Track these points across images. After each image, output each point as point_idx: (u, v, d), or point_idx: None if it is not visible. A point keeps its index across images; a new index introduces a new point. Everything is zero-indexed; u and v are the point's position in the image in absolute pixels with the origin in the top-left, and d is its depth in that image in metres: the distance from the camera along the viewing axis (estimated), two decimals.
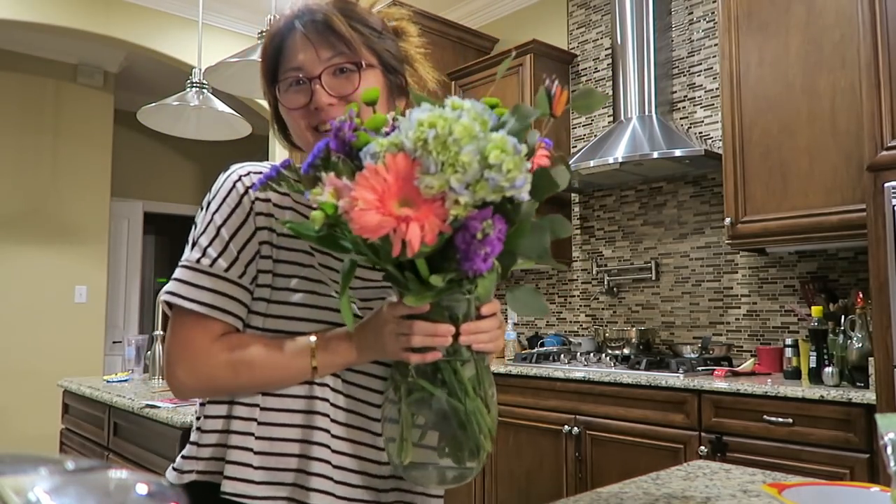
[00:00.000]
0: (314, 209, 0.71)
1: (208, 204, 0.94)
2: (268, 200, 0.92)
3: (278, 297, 0.92)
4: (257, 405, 0.90)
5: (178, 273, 0.90)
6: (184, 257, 0.92)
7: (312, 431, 0.90)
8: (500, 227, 0.70)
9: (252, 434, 0.89)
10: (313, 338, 0.89)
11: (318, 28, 0.94)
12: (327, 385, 0.91)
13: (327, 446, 0.90)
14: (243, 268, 0.90)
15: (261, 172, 0.92)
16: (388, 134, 0.71)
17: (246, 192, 0.92)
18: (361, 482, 0.92)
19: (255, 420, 0.90)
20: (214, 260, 0.89)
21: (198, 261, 0.89)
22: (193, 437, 0.95)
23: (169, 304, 0.90)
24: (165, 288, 0.90)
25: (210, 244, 0.90)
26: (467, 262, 0.70)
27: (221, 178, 0.95)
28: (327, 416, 0.90)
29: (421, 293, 0.74)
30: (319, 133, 0.93)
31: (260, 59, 1.00)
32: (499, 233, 0.70)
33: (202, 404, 0.95)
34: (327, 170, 0.72)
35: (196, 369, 0.88)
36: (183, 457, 0.94)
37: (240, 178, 0.92)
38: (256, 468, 0.88)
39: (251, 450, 0.89)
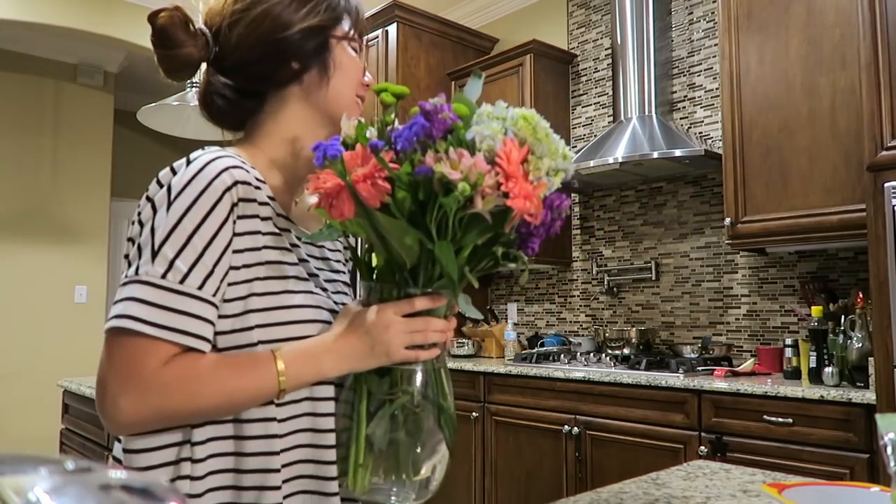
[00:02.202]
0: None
1: (171, 201, 0.77)
2: (252, 201, 0.82)
3: (264, 304, 0.81)
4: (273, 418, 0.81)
5: (135, 291, 0.75)
6: (141, 270, 0.75)
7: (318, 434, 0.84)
8: (555, 228, 0.82)
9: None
10: (280, 359, 0.78)
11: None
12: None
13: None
14: (218, 283, 0.78)
15: (239, 167, 0.82)
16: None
17: (228, 190, 0.79)
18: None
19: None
20: (185, 275, 0.76)
21: (163, 276, 0.75)
22: (175, 471, 0.78)
23: (118, 328, 0.74)
24: (118, 310, 0.74)
25: (178, 255, 0.76)
26: (531, 243, 0.81)
27: (192, 168, 0.79)
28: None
29: (452, 288, 0.79)
30: (357, 99, 0.95)
31: None
32: (555, 229, 0.81)
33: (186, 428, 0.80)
34: (429, 148, 0.75)
35: (144, 402, 0.73)
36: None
37: (220, 174, 0.79)
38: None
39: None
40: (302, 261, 0.88)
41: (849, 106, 2.43)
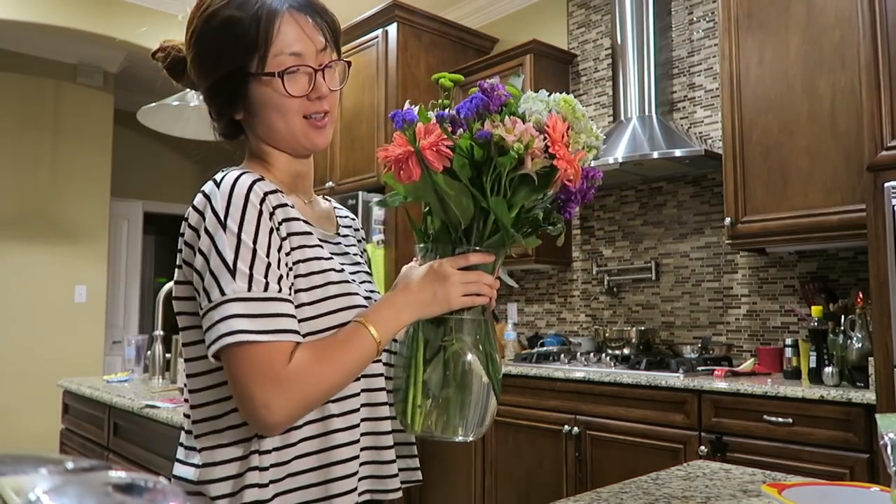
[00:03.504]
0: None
1: (223, 223, 0.85)
2: (284, 205, 0.90)
3: (311, 298, 0.90)
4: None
5: (232, 309, 0.82)
6: (227, 290, 0.82)
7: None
8: (590, 195, 0.95)
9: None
10: (363, 319, 0.89)
11: (310, 15, 0.94)
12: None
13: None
14: (289, 283, 0.87)
15: (262, 179, 0.89)
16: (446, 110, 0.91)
17: (263, 201, 0.87)
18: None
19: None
20: (266, 283, 0.84)
21: (249, 289, 0.83)
22: (255, 477, 0.86)
23: (235, 343, 0.82)
24: (225, 329, 0.81)
25: (252, 268, 0.83)
26: (569, 207, 0.94)
27: (224, 189, 0.87)
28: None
29: (504, 242, 0.92)
30: (309, 120, 0.94)
31: (222, 30, 0.91)
32: (590, 196, 0.95)
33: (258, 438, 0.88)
34: (486, 119, 0.88)
35: (290, 395, 0.81)
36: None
37: (252, 187, 0.87)
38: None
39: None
40: (335, 258, 0.96)
41: (849, 106, 2.43)
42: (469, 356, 0.93)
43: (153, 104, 2.71)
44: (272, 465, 0.86)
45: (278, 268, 0.86)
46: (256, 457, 0.86)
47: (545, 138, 0.86)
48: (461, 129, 0.89)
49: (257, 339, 0.81)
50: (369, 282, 1.05)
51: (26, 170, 4.91)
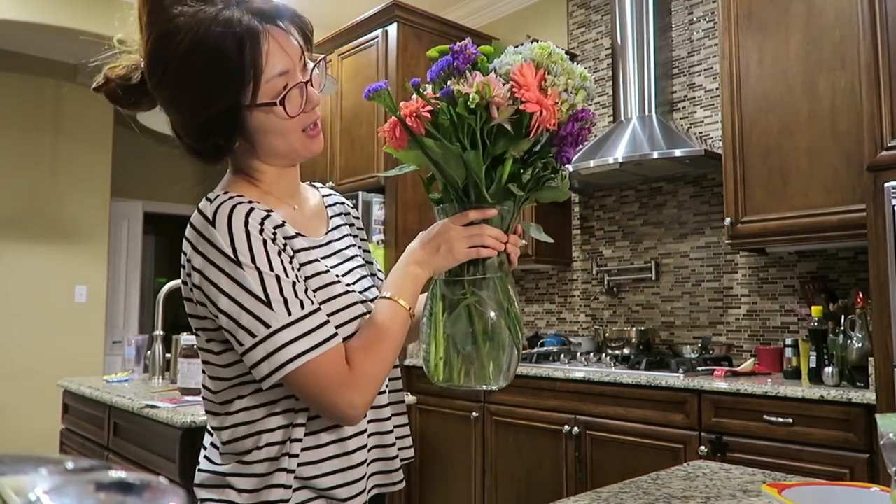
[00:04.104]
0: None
1: (235, 259, 0.86)
2: (281, 225, 0.92)
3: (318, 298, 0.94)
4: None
5: (282, 338, 0.85)
6: (272, 323, 0.85)
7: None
8: (582, 135, 0.94)
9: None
10: (385, 293, 0.94)
11: (282, 24, 0.92)
12: None
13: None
14: (313, 293, 0.91)
15: (243, 201, 0.90)
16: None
17: (262, 228, 0.89)
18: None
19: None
20: (300, 302, 0.88)
21: (289, 314, 0.86)
22: (285, 463, 0.91)
23: (298, 369, 0.87)
24: (284, 358, 0.85)
25: (282, 293, 0.87)
26: (564, 152, 0.93)
27: (221, 226, 0.87)
28: None
29: (498, 199, 0.94)
30: (305, 132, 0.95)
31: (206, 68, 0.86)
32: (583, 136, 0.94)
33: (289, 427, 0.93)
34: (451, 78, 0.90)
35: (364, 389, 0.88)
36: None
37: (247, 219, 0.88)
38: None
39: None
40: (322, 259, 0.99)
41: (849, 106, 2.43)
42: (485, 309, 0.96)
43: None
44: (300, 465, 0.91)
45: (299, 282, 0.90)
46: (286, 459, 0.90)
47: (511, 86, 0.87)
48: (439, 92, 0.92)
49: (315, 354, 0.86)
50: (364, 275, 1.06)
51: (26, 170, 4.91)
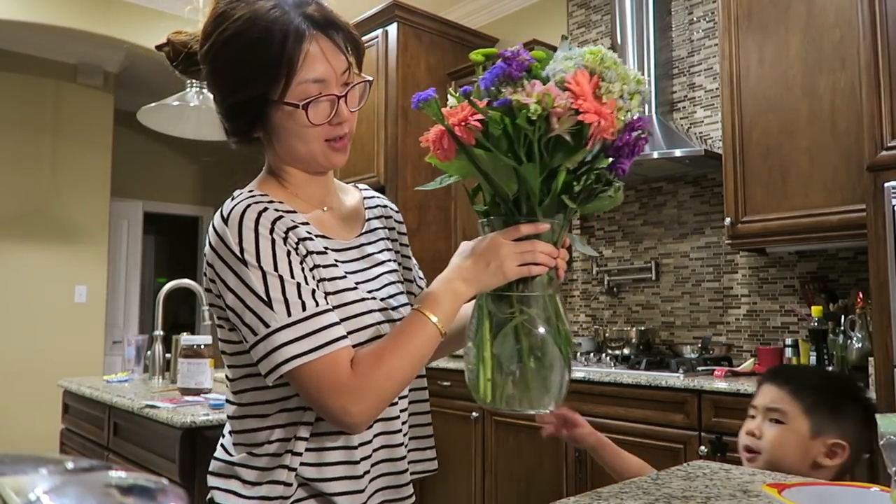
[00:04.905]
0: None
1: (241, 258, 0.88)
2: (294, 227, 0.91)
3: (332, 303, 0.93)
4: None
5: (280, 338, 0.85)
6: (270, 322, 0.86)
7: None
8: (639, 146, 0.90)
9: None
10: (417, 304, 0.91)
11: (333, 36, 0.92)
12: None
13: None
14: (323, 293, 0.90)
15: (261, 201, 0.91)
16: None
17: (273, 229, 0.89)
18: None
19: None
20: (303, 303, 0.87)
21: (289, 314, 0.86)
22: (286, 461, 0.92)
23: (293, 370, 0.86)
24: (280, 359, 0.85)
25: (284, 293, 0.87)
26: (619, 163, 0.89)
27: (232, 225, 0.89)
28: None
29: (550, 213, 0.91)
30: (328, 143, 0.94)
31: (245, 55, 0.89)
32: (639, 147, 0.89)
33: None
34: (508, 86, 0.86)
35: (363, 396, 0.85)
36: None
37: (258, 220, 0.89)
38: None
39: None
40: (343, 264, 0.98)
41: (849, 106, 2.43)
42: (535, 328, 0.92)
43: (153, 104, 2.71)
44: (303, 464, 0.91)
45: (307, 283, 0.88)
46: (289, 456, 0.91)
47: (570, 95, 0.84)
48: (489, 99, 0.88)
49: (312, 357, 0.85)
50: (392, 282, 1.04)
51: (26, 170, 4.91)
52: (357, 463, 0.93)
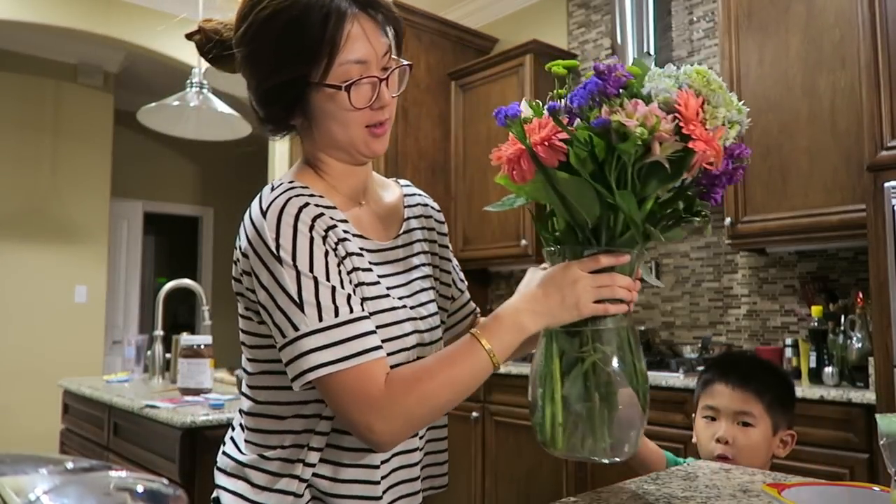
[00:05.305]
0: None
1: (277, 255, 0.82)
2: (334, 226, 0.86)
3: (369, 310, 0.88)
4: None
5: (309, 343, 0.80)
6: (300, 326, 0.80)
7: None
8: (737, 176, 0.84)
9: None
10: (476, 330, 0.84)
11: (374, 15, 0.89)
12: None
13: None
14: (359, 299, 0.84)
15: (302, 195, 0.86)
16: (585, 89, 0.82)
17: (313, 227, 0.84)
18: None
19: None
20: (336, 308, 0.81)
21: (320, 319, 0.81)
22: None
23: (320, 378, 0.81)
24: (308, 365, 0.80)
25: (318, 296, 0.81)
26: (713, 192, 0.83)
27: (271, 219, 0.83)
28: None
29: (630, 243, 0.83)
30: (369, 129, 0.90)
31: (285, 34, 0.85)
32: (738, 176, 0.83)
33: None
34: (605, 104, 0.78)
35: (390, 416, 0.79)
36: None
37: (298, 215, 0.83)
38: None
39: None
40: (376, 267, 0.93)
41: (849, 106, 2.43)
42: (611, 368, 0.85)
43: (153, 104, 2.71)
44: (315, 476, 0.88)
45: (343, 287, 0.83)
46: (301, 466, 0.87)
47: (675, 118, 0.76)
48: (578, 120, 0.81)
49: (340, 367, 0.79)
50: (424, 288, 0.99)
51: (26, 170, 4.91)
52: (376, 483, 0.89)
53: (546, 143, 0.78)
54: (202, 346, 2.29)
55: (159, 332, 2.76)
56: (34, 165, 4.94)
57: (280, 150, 4.58)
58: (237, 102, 4.20)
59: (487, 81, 3.76)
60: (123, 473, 0.34)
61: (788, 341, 2.58)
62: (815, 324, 2.46)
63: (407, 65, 0.93)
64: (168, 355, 2.72)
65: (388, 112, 0.91)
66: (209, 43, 0.96)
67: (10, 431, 4.63)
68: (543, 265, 0.93)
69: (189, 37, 0.98)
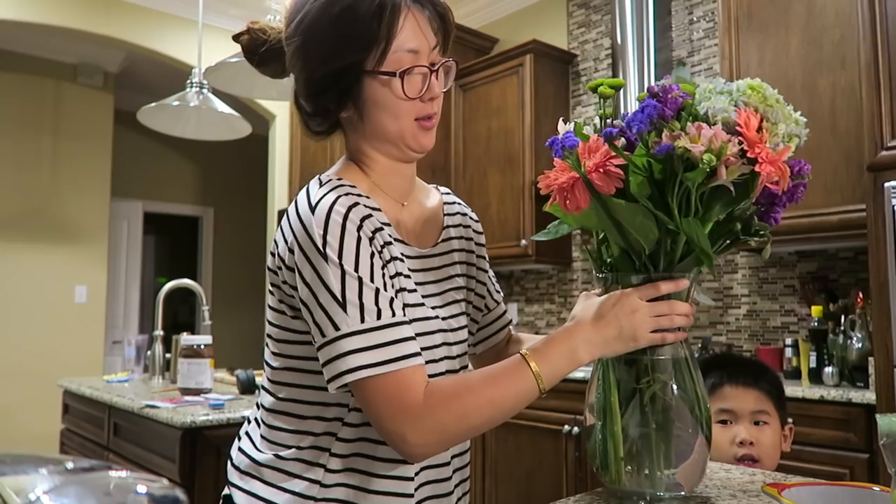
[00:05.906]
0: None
1: (323, 253, 0.80)
2: (381, 229, 0.85)
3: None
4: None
5: (349, 344, 0.78)
6: (342, 326, 0.79)
7: None
8: (799, 195, 0.80)
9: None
10: (527, 354, 0.81)
11: (428, 10, 0.89)
12: None
13: None
14: (401, 304, 0.83)
15: (351, 193, 0.85)
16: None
17: (360, 228, 0.82)
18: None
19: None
20: (378, 311, 0.79)
21: (362, 321, 0.79)
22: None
23: (358, 381, 0.79)
24: (346, 366, 0.78)
25: (361, 297, 0.79)
26: (773, 212, 0.80)
27: (319, 215, 0.82)
28: None
29: (687, 268, 0.80)
30: (418, 122, 0.89)
31: (342, 20, 0.85)
32: (799, 196, 0.80)
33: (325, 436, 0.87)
34: (665, 129, 0.75)
35: (425, 427, 0.77)
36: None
37: (347, 214, 0.82)
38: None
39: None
40: (414, 274, 0.91)
41: (849, 106, 2.43)
42: (672, 400, 0.83)
43: (153, 104, 2.71)
44: (336, 485, 0.86)
45: (386, 290, 0.81)
46: (322, 471, 0.85)
47: (740, 141, 0.73)
48: (624, 139, 0.78)
49: (379, 371, 0.77)
50: (456, 300, 0.97)
51: (26, 170, 4.91)
52: (408, 496, 0.87)
53: (601, 170, 0.75)
54: (202, 346, 2.29)
55: (159, 332, 2.76)
56: (34, 165, 4.95)
57: (280, 149, 4.58)
58: (237, 102, 4.20)
59: (487, 81, 3.76)
60: (123, 473, 0.34)
61: (788, 341, 2.58)
62: (816, 324, 2.46)
63: (451, 60, 0.93)
64: (168, 355, 2.72)
65: (436, 105, 0.91)
66: (256, 43, 0.96)
67: (10, 431, 4.63)
68: (596, 290, 0.91)
69: (236, 38, 0.98)
